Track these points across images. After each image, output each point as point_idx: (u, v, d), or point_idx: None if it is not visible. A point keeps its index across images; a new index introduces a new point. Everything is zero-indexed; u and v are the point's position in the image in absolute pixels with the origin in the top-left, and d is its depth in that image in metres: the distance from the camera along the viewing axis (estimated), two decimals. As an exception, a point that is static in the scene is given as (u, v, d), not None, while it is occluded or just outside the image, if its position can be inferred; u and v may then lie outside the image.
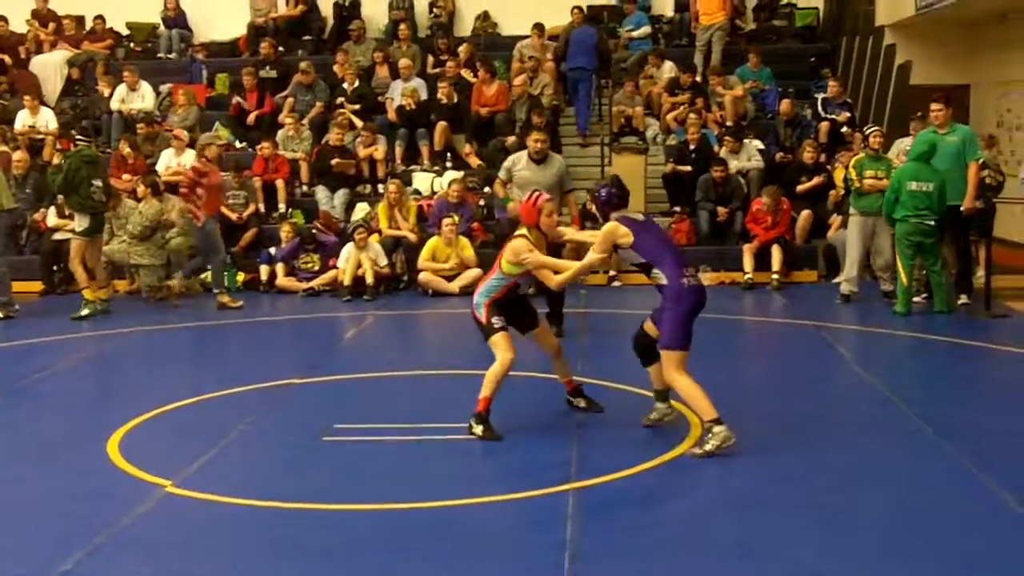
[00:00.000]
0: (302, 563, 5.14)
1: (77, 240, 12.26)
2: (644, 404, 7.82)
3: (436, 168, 15.70)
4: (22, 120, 15.88)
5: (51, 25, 18.80)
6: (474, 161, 15.77)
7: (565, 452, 6.69)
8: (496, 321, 7.14)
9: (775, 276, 13.57)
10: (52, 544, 5.36)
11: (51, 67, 18.02)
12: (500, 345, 7.09)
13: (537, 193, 7.44)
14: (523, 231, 7.27)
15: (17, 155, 13.91)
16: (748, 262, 13.70)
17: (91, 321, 11.95)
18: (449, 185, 14.32)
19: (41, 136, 16.08)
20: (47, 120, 16.33)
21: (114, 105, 16.69)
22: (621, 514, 5.65)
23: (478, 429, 6.97)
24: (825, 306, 12.11)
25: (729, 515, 5.66)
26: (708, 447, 6.56)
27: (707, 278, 13.98)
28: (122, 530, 5.51)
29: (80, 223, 12.21)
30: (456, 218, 13.64)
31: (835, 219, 14.16)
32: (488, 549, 5.24)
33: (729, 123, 15.92)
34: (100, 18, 18.91)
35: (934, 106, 11.59)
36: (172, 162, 15.31)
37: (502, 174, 10.70)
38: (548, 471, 6.33)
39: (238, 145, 16.61)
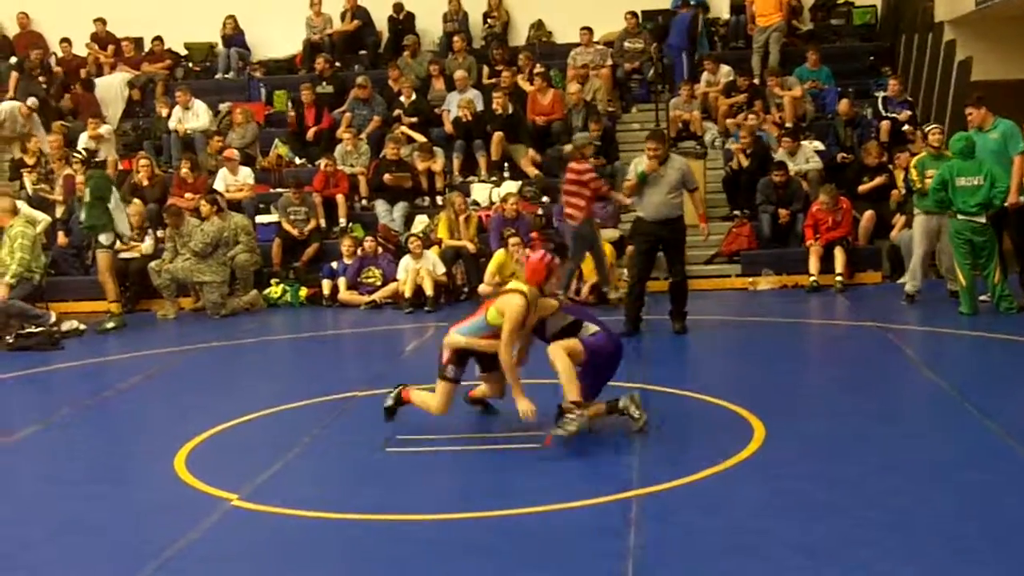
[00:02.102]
0: (366, 575, 5.15)
1: (105, 253, 12.47)
2: (706, 410, 7.80)
3: (494, 179, 15.74)
4: (83, 142, 16.12)
5: (110, 48, 19.10)
6: (532, 170, 15.77)
7: (627, 459, 6.65)
8: (451, 371, 7.24)
9: (839, 278, 13.43)
10: (121, 560, 5.43)
11: (112, 89, 18.32)
12: (441, 393, 7.26)
13: (549, 256, 7.36)
14: (521, 287, 7.14)
15: (81, 177, 14.10)
16: (813, 264, 13.57)
17: (158, 338, 12.11)
18: (505, 199, 14.33)
19: (103, 157, 16.30)
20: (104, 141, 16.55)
21: (172, 125, 16.92)
22: (684, 521, 5.61)
23: None
24: (890, 307, 11.96)
25: (792, 519, 5.58)
26: (572, 428, 6.78)
27: (769, 281, 13.91)
28: (189, 544, 5.56)
29: (107, 237, 12.43)
30: (518, 238, 13.60)
31: (898, 219, 14.00)
32: (550, 557, 5.22)
33: (788, 124, 15.78)
34: (159, 39, 19.19)
35: (967, 111, 11.63)
36: (229, 179, 15.49)
37: (630, 174, 10.97)
38: (610, 479, 6.30)
39: (298, 161, 16.76)
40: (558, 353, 7.00)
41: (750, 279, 14.12)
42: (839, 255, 13.55)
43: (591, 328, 7.23)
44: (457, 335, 7.26)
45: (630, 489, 6.05)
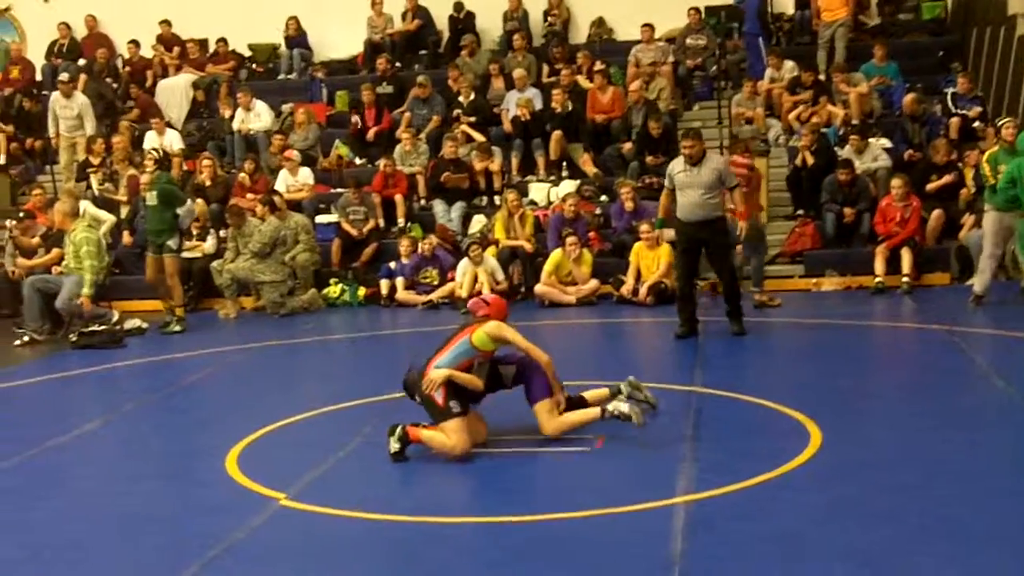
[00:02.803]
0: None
1: (172, 257, 12.56)
2: (762, 415, 7.66)
3: (552, 178, 15.65)
4: (150, 142, 16.30)
5: (176, 49, 19.28)
6: (590, 169, 15.66)
7: (678, 464, 6.53)
8: (454, 406, 6.92)
9: (905, 279, 13.14)
10: (167, 558, 5.43)
11: (177, 90, 18.51)
12: (455, 430, 6.85)
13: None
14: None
15: (145, 178, 14.21)
16: (879, 264, 13.30)
17: (219, 337, 12.20)
18: (564, 200, 14.23)
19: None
20: (172, 141, 16.73)
21: (235, 126, 17.05)
22: (734, 528, 5.48)
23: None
24: (958, 309, 11.67)
25: (848, 527, 5.43)
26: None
27: (833, 282, 13.68)
28: (234, 544, 5.55)
29: (175, 241, 12.51)
30: (576, 237, 13.52)
31: (967, 218, 13.68)
32: (595, 565, 5.12)
33: (855, 121, 15.52)
34: (223, 41, 19.33)
35: None
36: (289, 180, 15.56)
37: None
38: (660, 483, 6.18)
39: (358, 161, 16.80)
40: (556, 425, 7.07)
41: (813, 280, 13.88)
42: (906, 255, 13.27)
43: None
44: (437, 370, 6.99)
45: (680, 495, 5.94)
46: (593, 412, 7.09)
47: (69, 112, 17.35)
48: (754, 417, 7.63)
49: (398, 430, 6.96)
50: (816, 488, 6.08)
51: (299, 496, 6.25)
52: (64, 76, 17.88)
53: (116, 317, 12.12)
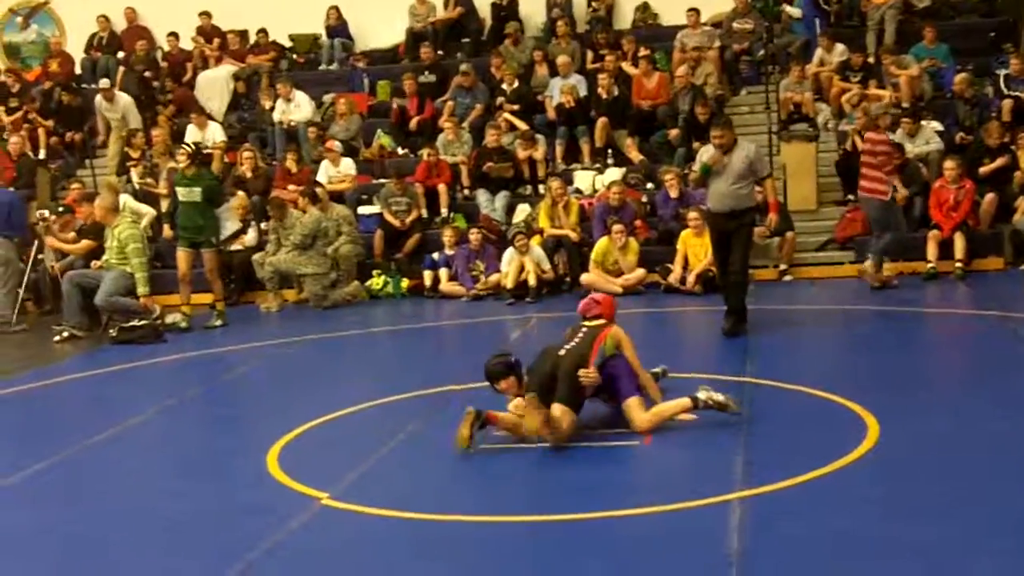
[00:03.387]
0: (455, 580, 4.95)
1: (212, 252, 12.47)
2: (817, 406, 7.42)
3: (597, 165, 15.41)
4: (191, 135, 16.21)
5: (216, 41, 19.18)
6: (636, 156, 15.41)
7: (731, 457, 6.31)
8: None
9: (958, 264, 12.82)
10: (206, 561, 5.30)
11: (218, 82, 18.38)
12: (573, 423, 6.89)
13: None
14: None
15: (174, 165, 14.16)
16: (932, 250, 12.96)
17: (261, 331, 12.10)
18: (609, 187, 14.00)
19: (209, 150, 16.40)
20: (213, 134, 16.65)
21: (276, 117, 16.94)
22: (791, 525, 5.26)
23: None
24: (1013, 295, 11.37)
25: (908, 523, 5.20)
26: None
27: (885, 269, 13.35)
28: (275, 545, 5.40)
29: (216, 236, 12.41)
30: (622, 225, 13.31)
31: (1021, 202, 13.33)
32: (650, 566, 4.93)
33: (905, 104, 15.17)
34: (263, 31, 19.19)
35: None
36: (331, 171, 15.44)
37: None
38: (712, 478, 5.98)
39: (400, 152, 16.65)
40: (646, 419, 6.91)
41: (863, 266, 13.55)
42: (959, 240, 12.93)
43: None
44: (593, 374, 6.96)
45: (734, 490, 5.72)
46: (684, 402, 6.95)
47: (113, 114, 17.53)
48: (808, 408, 7.41)
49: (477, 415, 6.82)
50: (874, 483, 5.86)
51: (341, 495, 6.08)
52: (105, 82, 17.83)
53: (158, 311, 12.02)
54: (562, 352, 7.07)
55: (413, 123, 16.75)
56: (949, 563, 4.73)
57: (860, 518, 5.31)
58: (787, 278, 13.43)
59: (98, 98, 17.65)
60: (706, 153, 10.15)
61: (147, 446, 7.78)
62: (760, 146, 15.09)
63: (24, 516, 6.30)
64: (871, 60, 16.16)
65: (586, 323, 7.43)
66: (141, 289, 11.93)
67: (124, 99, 17.53)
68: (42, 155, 17.55)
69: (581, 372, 6.89)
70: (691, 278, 12.71)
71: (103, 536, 5.79)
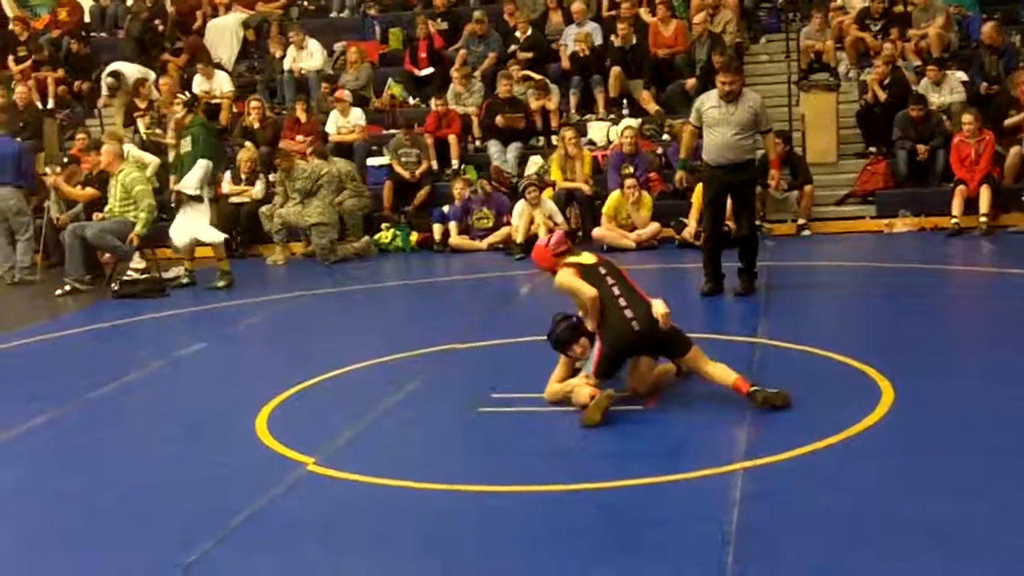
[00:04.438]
0: (444, 554, 4.70)
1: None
2: (829, 368, 7.13)
3: (612, 116, 15.03)
4: (197, 85, 15.92)
5: (224, -13, 18.82)
6: (652, 107, 15.02)
7: (736, 425, 6.03)
8: None
9: (983, 219, 12.43)
10: (183, 529, 5.06)
11: (227, 30, 18.02)
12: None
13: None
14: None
15: (176, 117, 13.85)
16: (957, 205, 12.56)
17: (266, 285, 11.86)
18: (622, 133, 13.64)
19: (216, 100, 16.11)
20: (221, 84, 16.33)
21: (286, 65, 16.61)
22: (796, 500, 4.99)
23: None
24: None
25: (924, 500, 4.91)
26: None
27: (906, 223, 13.02)
28: (255, 514, 5.17)
29: (210, 190, 12.00)
30: (631, 170, 13.00)
31: (1049, 155, 12.92)
32: (641, 540, 4.67)
33: (933, 53, 14.73)
34: (274, -22, 18.84)
35: None
36: (341, 122, 15.12)
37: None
38: (715, 448, 5.73)
39: (411, 101, 16.30)
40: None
41: (885, 221, 13.19)
42: (984, 194, 12.52)
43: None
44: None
45: (736, 461, 5.44)
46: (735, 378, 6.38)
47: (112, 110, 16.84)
48: (821, 372, 7.10)
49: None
50: (887, 454, 5.56)
51: (329, 461, 5.84)
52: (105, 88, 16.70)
53: (141, 264, 11.77)
54: (627, 303, 6.53)
55: (424, 71, 16.36)
56: (968, 545, 4.43)
57: (871, 493, 5.02)
58: (805, 233, 13.08)
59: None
60: (707, 101, 9.55)
61: (137, 406, 7.55)
62: (778, 96, 14.89)
63: (7, 476, 6.11)
64: (899, 8, 15.65)
65: (581, 260, 6.85)
66: (139, 228, 11.71)
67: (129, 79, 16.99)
68: (50, 105, 17.29)
69: (662, 315, 6.43)
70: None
71: (80, 500, 5.58)
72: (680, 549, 4.57)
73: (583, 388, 6.38)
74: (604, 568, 4.44)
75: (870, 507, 4.84)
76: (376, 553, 4.75)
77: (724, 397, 6.46)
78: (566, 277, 6.69)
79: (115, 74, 15.84)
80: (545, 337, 6.80)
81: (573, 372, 6.70)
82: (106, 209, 12.21)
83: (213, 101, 16.10)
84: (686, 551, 4.54)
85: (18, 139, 14.29)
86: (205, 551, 4.77)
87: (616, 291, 6.53)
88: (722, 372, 6.39)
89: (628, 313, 6.43)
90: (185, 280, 11.96)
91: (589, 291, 6.51)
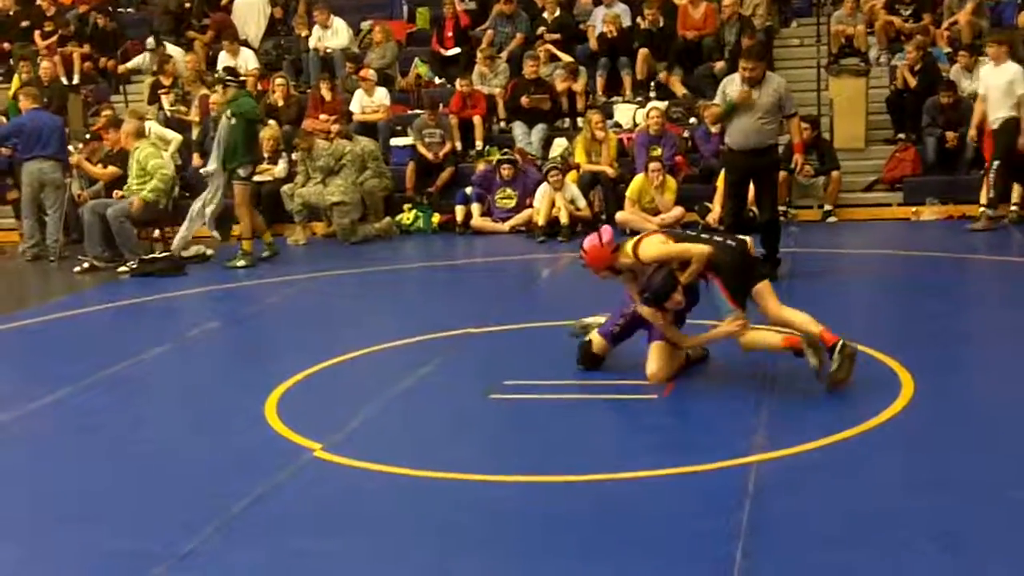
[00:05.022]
0: (443, 545, 4.60)
1: (242, 185, 11.89)
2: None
3: (639, 99, 14.87)
4: (222, 62, 15.83)
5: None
6: (679, 90, 14.85)
7: (750, 415, 5.91)
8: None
9: (1014, 207, 12.21)
10: (184, 514, 4.98)
11: (254, 7, 17.88)
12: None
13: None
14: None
15: (214, 97, 13.81)
16: (985, 192, 12.33)
17: (285, 265, 11.77)
18: (648, 114, 13.49)
19: (242, 78, 15.99)
20: (246, 61, 16.25)
21: (311, 44, 16.51)
22: (807, 496, 4.86)
23: None
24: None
25: (938, 500, 4.77)
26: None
27: (933, 211, 12.83)
28: (256, 501, 5.08)
29: (245, 169, 11.80)
30: (659, 150, 12.85)
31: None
32: (645, 535, 4.56)
33: (965, 39, 14.48)
34: (300, -46, 18.67)
35: None
36: (365, 101, 15.02)
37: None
38: (727, 438, 5.60)
39: (437, 81, 16.18)
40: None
41: (913, 208, 13.00)
42: (1015, 183, 12.30)
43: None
44: None
45: (749, 453, 5.32)
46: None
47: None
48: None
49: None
50: (906, 449, 5.45)
51: (337, 447, 5.75)
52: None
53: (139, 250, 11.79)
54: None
55: (451, 51, 16.22)
56: (983, 551, 4.28)
57: (887, 491, 4.89)
58: (831, 219, 12.89)
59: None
60: (731, 84, 9.45)
61: (147, 387, 7.49)
62: (807, 81, 14.69)
63: (7, 456, 6.07)
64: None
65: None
66: (145, 193, 11.71)
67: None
68: (76, 80, 17.27)
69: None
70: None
71: (78, 487, 5.48)
72: (688, 545, 4.45)
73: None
74: (606, 563, 4.33)
75: (888, 506, 4.71)
76: (373, 544, 4.65)
77: (740, 386, 6.34)
78: (665, 245, 6.45)
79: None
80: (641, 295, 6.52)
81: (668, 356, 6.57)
82: (125, 188, 12.16)
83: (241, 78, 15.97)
84: (694, 547, 4.42)
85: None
86: (204, 538, 4.70)
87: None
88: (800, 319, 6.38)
89: (723, 240, 6.53)
90: (266, 253, 11.96)
91: (702, 248, 6.36)
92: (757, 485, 4.94)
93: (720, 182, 12.06)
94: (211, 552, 4.60)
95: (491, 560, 4.47)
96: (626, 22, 15.48)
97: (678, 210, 12.67)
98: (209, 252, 12.04)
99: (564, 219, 12.52)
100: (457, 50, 16.32)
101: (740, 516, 4.61)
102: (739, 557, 4.25)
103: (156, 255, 11.50)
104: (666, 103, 14.47)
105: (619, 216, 12.66)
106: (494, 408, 6.39)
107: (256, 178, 13.70)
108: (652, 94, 14.88)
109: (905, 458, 5.30)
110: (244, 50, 16.52)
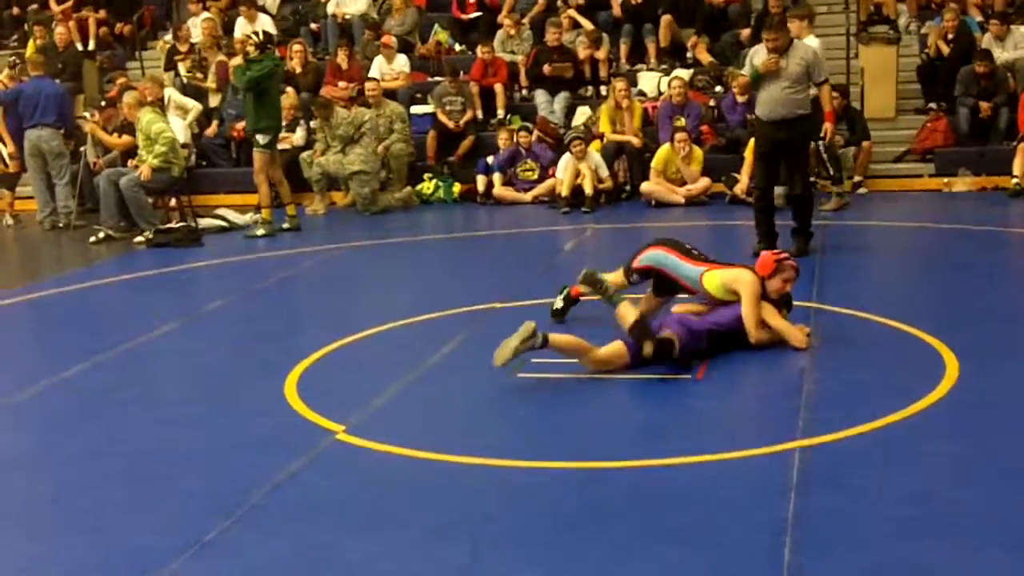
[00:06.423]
0: (467, 538, 4.34)
1: (260, 153, 11.61)
2: (889, 337, 6.74)
3: (663, 67, 14.56)
4: (240, 29, 15.57)
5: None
6: (705, 57, 14.53)
7: (791, 398, 5.66)
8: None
9: (1045, 178, 11.94)
10: (198, 504, 4.76)
11: (272, -27, 17.63)
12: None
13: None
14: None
15: (234, 61, 13.56)
16: (1019, 164, 12.05)
17: (304, 236, 11.56)
18: (671, 84, 13.19)
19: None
20: (263, 27, 15.91)
21: (330, 10, 16.23)
22: (857, 484, 4.60)
23: None
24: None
25: (995, 487, 4.53)
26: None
27: (965, 183, 12.54)
28: (276, 488, 4.86)
29: (264, 137, 11.53)
30: (683, 121, 12.58)
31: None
32: (686, 527, 4.31)
33: (998, 7, 14.13)
34: (318, -82, 18.34)
35: None
36: (385, 68, 14.74)
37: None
38: (767, 423, 5.38)
39: (457, 48, 15.89)
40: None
41: (945, 180, 12.71)
42: (1051, 154, 12.02)
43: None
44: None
45: (791, 439, 5.07)
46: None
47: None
48: (881, 341, 6.72)
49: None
50: (955, 434, 5.19)
51: (359, 429, 5.53)
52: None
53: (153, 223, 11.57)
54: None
55: (471, 16, 15.92)
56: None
57: (936, 480, 4.64)
58: (861, 190, 12.61)
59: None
60: (758, 55, 9.16)
61: (162, 364, 7.28)
62: (836, 49, 14.35)
63: (20, 438, 5.87)
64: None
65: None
66: (152, 159, 11.53)
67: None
68: (91, 46, 17.02)
69: None
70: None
71: (90, 473, 5.24)
72: (730, 538, 4.20)
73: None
74: (641, 558, 4.09)
75: (937, 496, 4.47)
76: (397, 533, 4.40)
77: (778, 368, 6.10)
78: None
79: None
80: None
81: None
82: (136, 157, 11.96)
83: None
84: (737, 540, 4.17)
85: (57, 81, 14.05)
86: (222, 529, 4.47)
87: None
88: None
89: None
90: (287, 226, 11.77)
91: None
92: (804, 472, 4.70)
93: (748, 152, 11.85)
94: (231, 543, 4.37)
95: (525, 555, 4.21)
96: (651, -12, 15.16)
97: (704, 181, 12.43)
98: (225, 223, 11.78)
99: (588, 189, 12.25)
100: (478, 15, 16.02)
101: (787, 506, 4.37)
102: (787, 553, 4.01)
103: (172, 225, 11.26)
104: (691, 71, 14.17)
105: (644, 187, 12.43)
106: (522, 387, 6.15)
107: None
108: (677, 62, 14.57)
109: (959, 443, 5.04)
110: (262, 16, 16.25)
